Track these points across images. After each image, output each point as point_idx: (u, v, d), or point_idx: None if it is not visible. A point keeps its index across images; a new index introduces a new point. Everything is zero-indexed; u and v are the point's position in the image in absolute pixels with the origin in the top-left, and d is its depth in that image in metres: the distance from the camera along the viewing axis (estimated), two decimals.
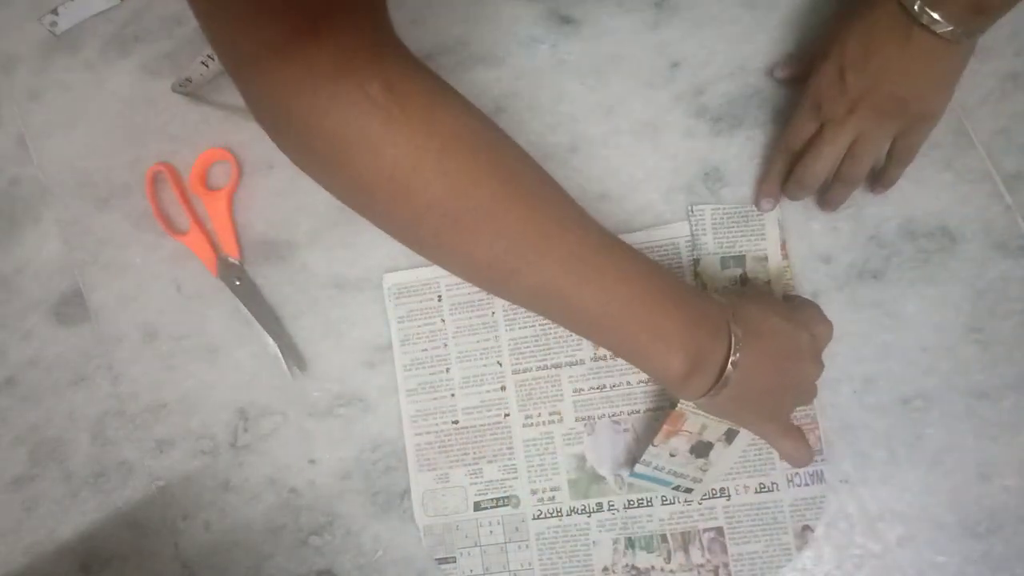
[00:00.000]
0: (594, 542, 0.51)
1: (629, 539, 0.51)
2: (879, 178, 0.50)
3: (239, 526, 0.55)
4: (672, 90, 0.54)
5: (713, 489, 0.50)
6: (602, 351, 0.52)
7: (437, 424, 0.53)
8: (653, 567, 0.51)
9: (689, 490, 0.49)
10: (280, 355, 0.55)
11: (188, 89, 0.57)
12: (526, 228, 0.38)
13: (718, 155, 0.53)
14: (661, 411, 0.51)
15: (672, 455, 0.47)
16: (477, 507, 0.52)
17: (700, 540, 0.50)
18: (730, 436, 0.47)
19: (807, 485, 0.50)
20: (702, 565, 0.50)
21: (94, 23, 0.60)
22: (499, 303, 0.54)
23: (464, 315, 0.54)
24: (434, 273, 0.54)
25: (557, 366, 0.53)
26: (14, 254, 0.59)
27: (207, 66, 0.56)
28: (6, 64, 0.61)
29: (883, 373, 0.50)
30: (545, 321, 0.53)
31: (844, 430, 0.50)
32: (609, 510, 0.51)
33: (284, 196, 0.57)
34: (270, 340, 0.55)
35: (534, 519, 0.52)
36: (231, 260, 0.56)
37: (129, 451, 0.56)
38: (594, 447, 0.52)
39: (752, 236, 0.52)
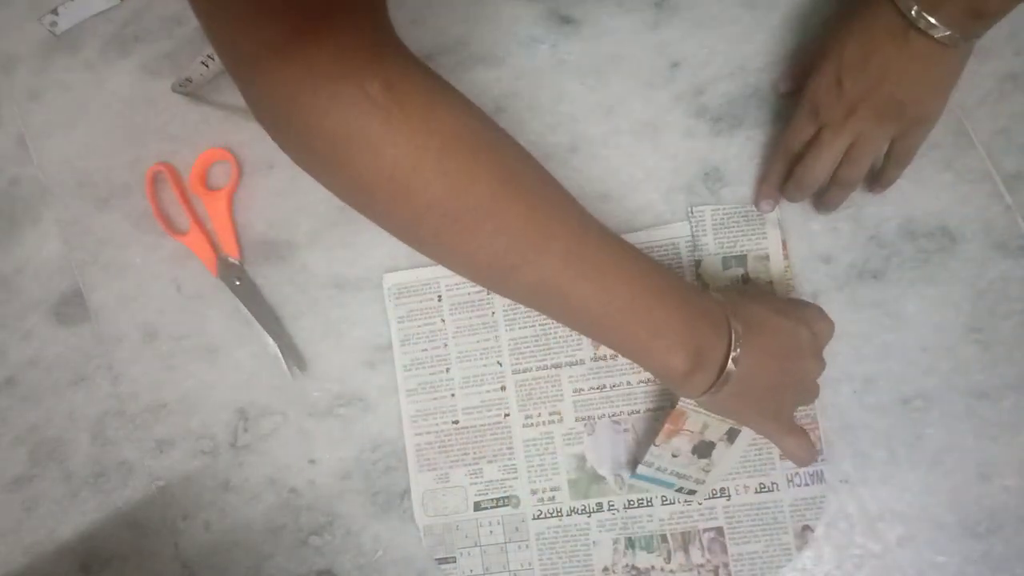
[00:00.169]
0: (594, 542, 0.51)
1: (629, 539, 0.51)
2: (877, 179, 0.50)
3: (239, 526, 0.55)
4: (672, 90, 0.54)
5: (713, 489, 0.50)
6: (602, 351, 0.52)
7: (437, 424, 0.53)
8: (653, 567, 0.51)
9: (692, 492, 0.49)
10: (280, 355, 0.55)
11: (188, 89, 0.57)
12: (526, 226, 0.38)
13: (718, 155, 0.53)
14: (662, 411, 0.51)
15: (674, 456, 0.47)
16: (477, 507, 0.52)
17: (700, 540, 0.50)
18: (732, 435, 0.47)
19: (807, 485, 0.50)
20: (702, 565, 0.50)
21: (94, 23, 0.60)
22: (499, 303, 0.54)
23: (464, 315, 0.54)
24: (434, 273, 0.54)
25: (557, 366, 0.53)
26: (14, 254, 0.59)
27: (207, 66, 0.56)
28: (6, 64, 0.61)
29: (883, 373, 0.50)
30: (545, 321, 0.53)
31: (844, 430, 0.50)
32: (609, 510, 0.51)
33: (284, 196, 0.57)
34: (270, 340, 0.55)
35: (534, 519, 0.52)
36: (231, 260, 0.56)
37: (129, 451, 0.56)
38: (594, 447, 0.52)
39: (753, 236, 0.52)
